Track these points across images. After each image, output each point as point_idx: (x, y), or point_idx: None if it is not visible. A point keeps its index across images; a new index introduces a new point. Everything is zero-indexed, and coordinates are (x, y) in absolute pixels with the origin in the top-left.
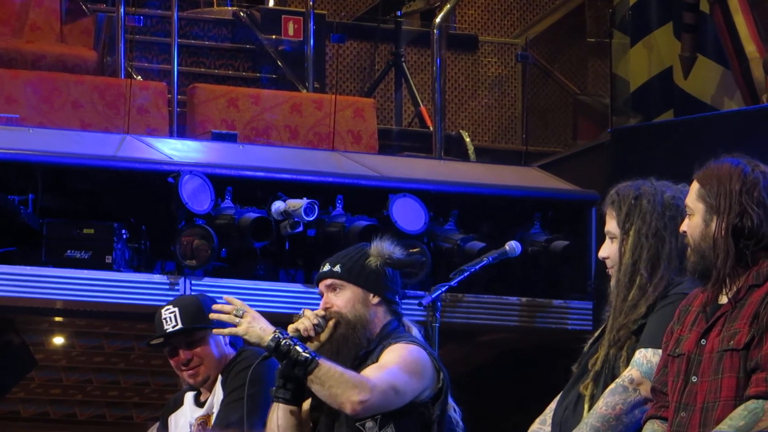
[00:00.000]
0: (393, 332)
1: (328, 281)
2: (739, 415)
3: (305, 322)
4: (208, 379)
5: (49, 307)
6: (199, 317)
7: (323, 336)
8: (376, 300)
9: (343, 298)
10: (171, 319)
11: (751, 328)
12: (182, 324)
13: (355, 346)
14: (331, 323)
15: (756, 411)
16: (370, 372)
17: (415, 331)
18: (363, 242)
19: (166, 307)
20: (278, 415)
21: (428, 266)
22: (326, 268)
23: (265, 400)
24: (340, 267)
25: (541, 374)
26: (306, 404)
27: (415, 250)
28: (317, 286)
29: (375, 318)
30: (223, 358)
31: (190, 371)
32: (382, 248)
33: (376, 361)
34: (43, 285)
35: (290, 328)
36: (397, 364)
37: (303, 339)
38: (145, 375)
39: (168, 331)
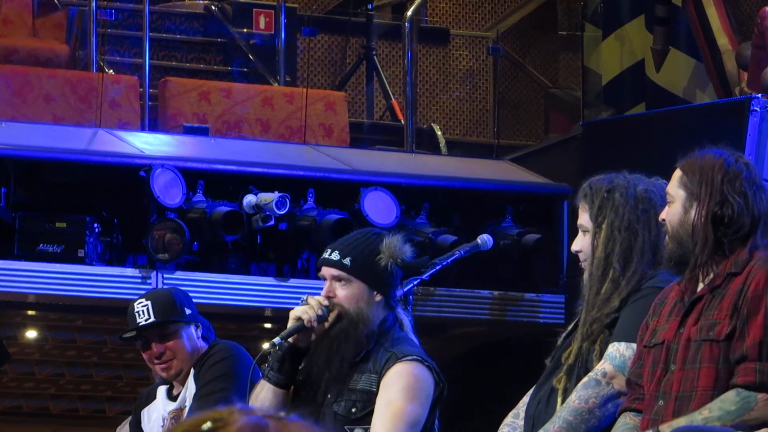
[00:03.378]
0: (389, 331)
1: (335, 272)
2: (732, 400)
3: (309, 311)
4: (180, 373)
5: (21, 300)
6: (171, 311)
7: (326, 324)
8: (378, 298)
9: (347, 292)
10: (144, 312)
11: (731, 319)
12: (155, 317)
13: (355, 345)
14: (333, 314)
15: (749, 400)
16: (385, 423)
17: (406, 323)
18: (372, 230)
19: (139, 301)
20: (265, 396)
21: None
22: (335, 256)
23: (236, 395)
24: (351, 261)
25: (513, 368)
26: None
27: None
28: (320, 269)
29: (375, 315)
30: (195, 351)
31: (163, 365)
32: (394, 248)
33: (377, 372)
34: (15, 279)
35: (292, 315)
36: (407, 401)
37: (305, 329)
38: (117, 369)
39: (141, 324)
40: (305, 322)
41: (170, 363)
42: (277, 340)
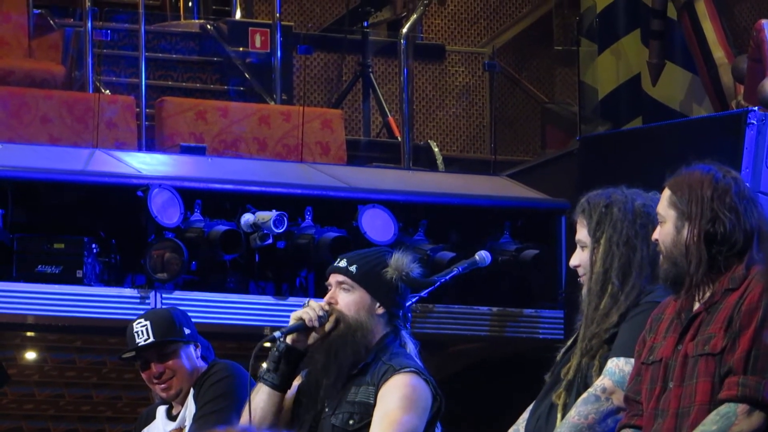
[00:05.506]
0: (389, 347)
1: (340, 278)
2: (712, 420)
3: (310, 312)
4: (180, 393)
5: (20, 322)
6: (170, 330)
7: (326, 327)
8: (380, 310)
9: (349, 299)
10: (142, 332)
11: (726, 333)
12: (154, 337)
13: (353, 352)
14: (332, 318)
15: (728, 415)
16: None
17: (410, 347)
18: (385, 248)
19: (138, 321)
20: (260, 398)
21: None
22: (342, 263)
23: (236, 415)
24: (356, 268)
25: (512, 384)
26: (288, 396)
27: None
28: (328, 277)
29: (375, 327)
30: (194, 371)
31: (162, 385)
32: (401, 263)
33: (375, 385)
34: (14, 300)
35: (294, 316)
36: (403, 411)
37: (305, 328)
38: (117, 389)
39: (140, 344)
40: (306, 321)
41: (170, 383)
42: (277, 333)
